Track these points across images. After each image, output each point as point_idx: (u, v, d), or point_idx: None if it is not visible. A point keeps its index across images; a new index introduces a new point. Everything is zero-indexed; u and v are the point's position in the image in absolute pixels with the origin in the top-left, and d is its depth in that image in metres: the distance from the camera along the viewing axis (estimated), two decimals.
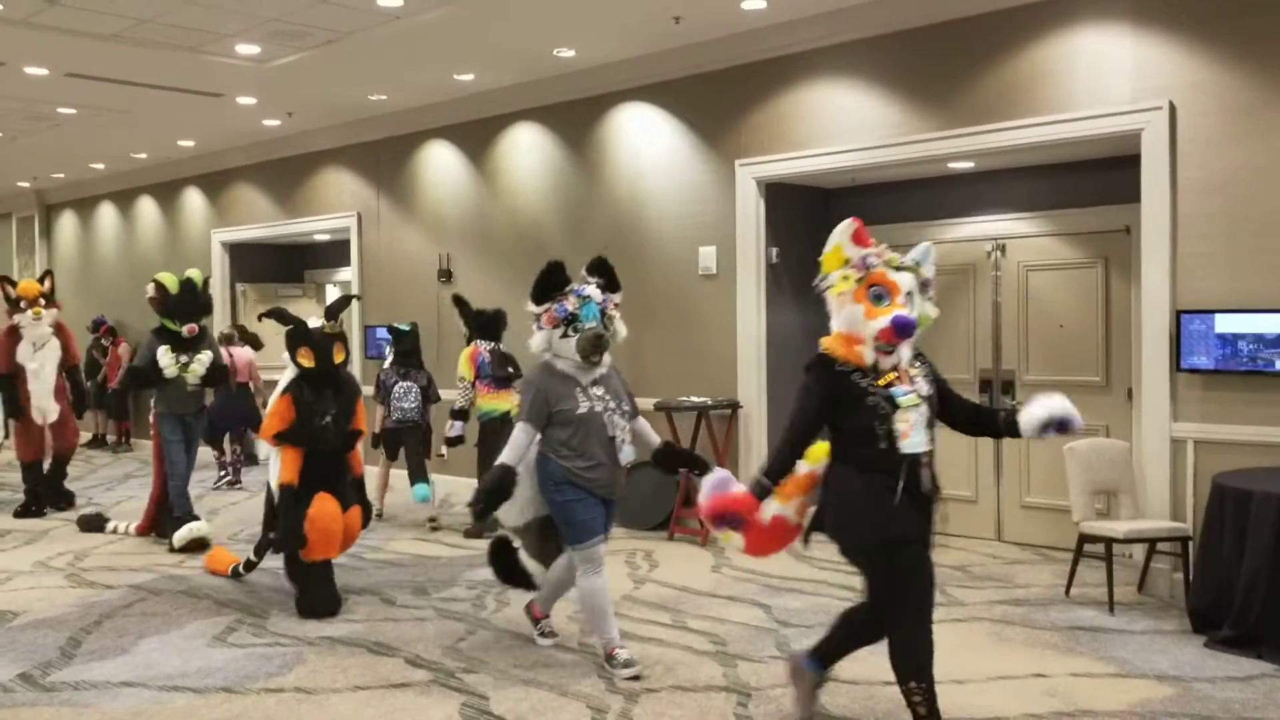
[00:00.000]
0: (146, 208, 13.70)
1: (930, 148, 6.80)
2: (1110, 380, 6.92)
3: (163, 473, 7.72)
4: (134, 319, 13.42)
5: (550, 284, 5.09)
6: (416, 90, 9.32)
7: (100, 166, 13.36)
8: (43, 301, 8.83)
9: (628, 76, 8.33)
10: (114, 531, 7.96)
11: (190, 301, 7.56)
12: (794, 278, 7.92)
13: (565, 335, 4.96)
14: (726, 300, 7.82)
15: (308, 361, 5.82)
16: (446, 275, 9.82)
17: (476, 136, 9.60)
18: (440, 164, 9.96)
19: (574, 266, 8.77)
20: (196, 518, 7.53)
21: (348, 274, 11.35)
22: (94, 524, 8.13)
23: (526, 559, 5.34)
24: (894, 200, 7.84)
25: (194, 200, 12.92)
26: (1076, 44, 6.22)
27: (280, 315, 5.93)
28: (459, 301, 8.32)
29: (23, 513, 8.84)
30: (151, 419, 7.75)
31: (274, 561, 6.20)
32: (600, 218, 8.69)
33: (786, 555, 7.05)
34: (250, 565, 6.46)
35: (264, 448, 8.05)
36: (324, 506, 5.70)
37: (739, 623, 5.52)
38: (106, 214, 14.44)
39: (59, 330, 8.93)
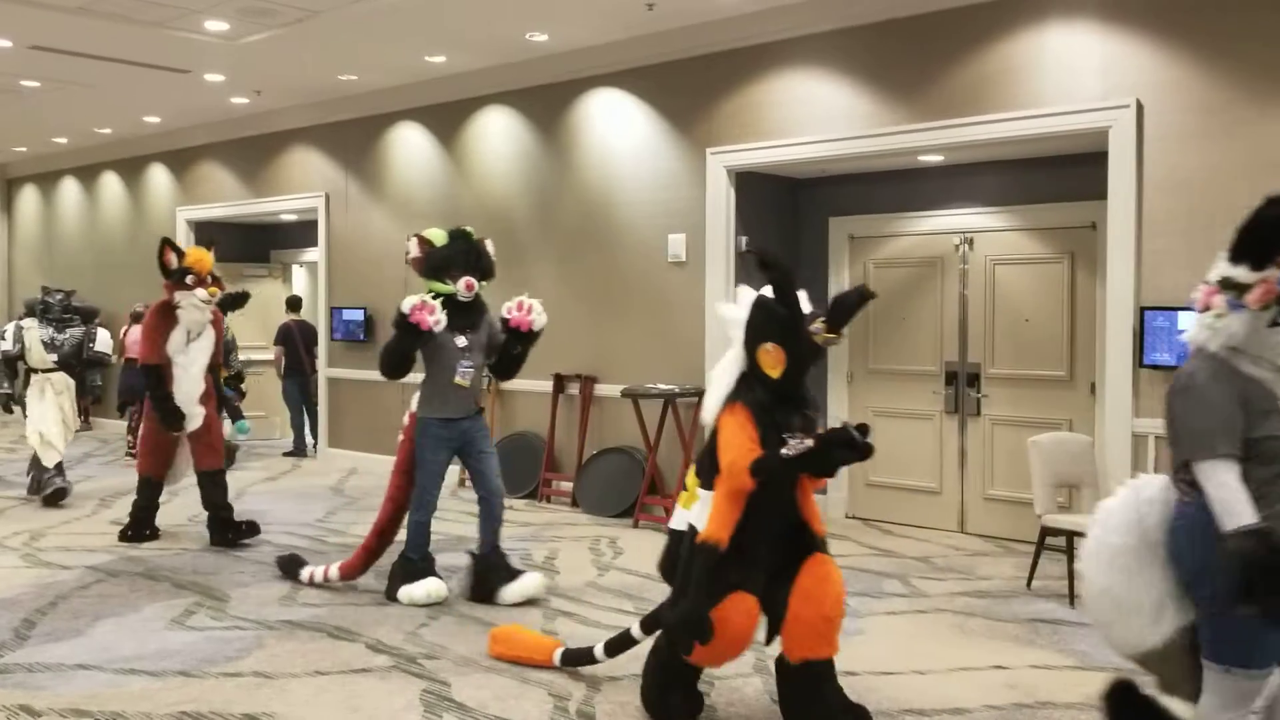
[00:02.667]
0: (110, 183, 13.50)
1: (900, 140, 6.81)
2: (1074, 375, 6.98)
3: (401, 498, 5.79)
4: (96, 296, 13.21)
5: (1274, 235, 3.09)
6: (387, 71, 9.23)
7: (64, 141, 13.14)
8: (213, 279, 6.94)
9: (600, 62, 8.29)
10: (310, 580, 5.94)
11: (463, 252, 5.65)
12: None
13: (1276, 324, 3.04)
14: (695, 288, 7.82)
15: (776, 369, 3.94)
16: None
17: (447, 119, 9.52)
18: (410, 146, 9.87)
19: (544, 252, 8.81)
20: (436, 574, 5.70)
21: (314, 255, 11.25)
22: (291, 567, 6.08)
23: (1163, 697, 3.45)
24: (864, 192, 7.86)
25: (159, 177, 12.74)
26: (1046, 40, 6.25)
27: (780, 275, 3.94)
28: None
29: (131, 536, 7.07)
30: (406, 421, 5.78)
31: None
32: (570, 203, 8.65)
33: None
34: (617, 648, 4.38)
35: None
36: (742, 605, 3.82)
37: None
38: (69, 189, 14.22)
39: (214, 319, 7.05)
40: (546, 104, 8.76)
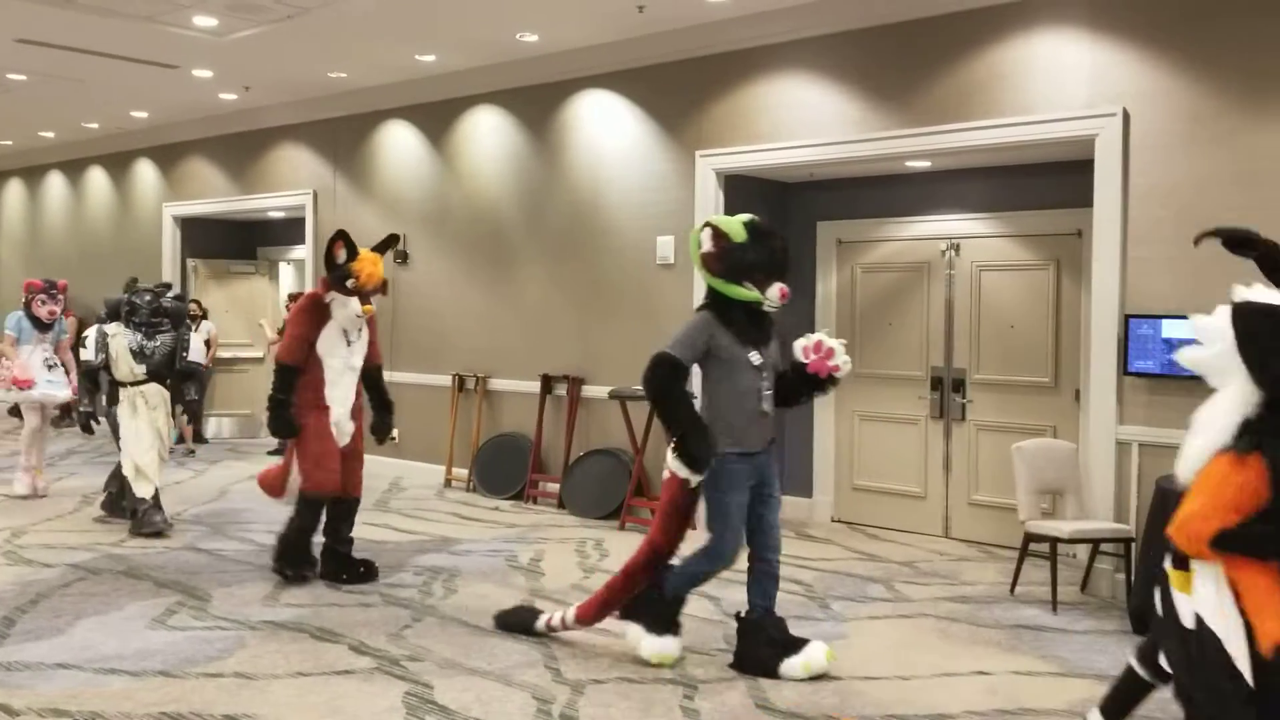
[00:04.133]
0: (96, 178, 13.43)
1: (888, 146, 6.83)
2: (1059, 381, 7.00)
3: (663, 542, 4.72)
4: (82, 291, 13.14)
5: None
6: (377, 69, 9.21)
7: (50, 135, 13.07)
8: (381, 293, 6.18)
9: (590, 63, 8.28)
10: (548, 627, 5.04)
11: (773, 252, 4.72)
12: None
13: None
14: (683, 290, 7.80)
15: None
16: (403, 257, 9.72)
17: (436, 118, 9.50)
18: (399, 144, 9.85)
19: (532, 252, 8.80)
20: (677, 631, 4.82)
21: (302, 252, 11.21)
22: (520, 621, 5.16)
23: None
24: (851, 196, 7.87)
25: (146, 172, 12.68)
26: (1034, 48, 6.27)
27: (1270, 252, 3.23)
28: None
29: (286, 570, 6.06)
30: (670, 465, 4.58)
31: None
32: (559, 204, 8.64)
33: None
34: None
35: None
36: None
37: (687, 614, 5.48)
38: (55, 184, 14.14)
39: (369, 322, 6.16)
40: (536, 104, 8.75)
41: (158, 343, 7.30)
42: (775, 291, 4.66)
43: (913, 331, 7.63)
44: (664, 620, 4.74)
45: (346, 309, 5.87)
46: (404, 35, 8.09)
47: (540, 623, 5.06)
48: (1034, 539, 5.87)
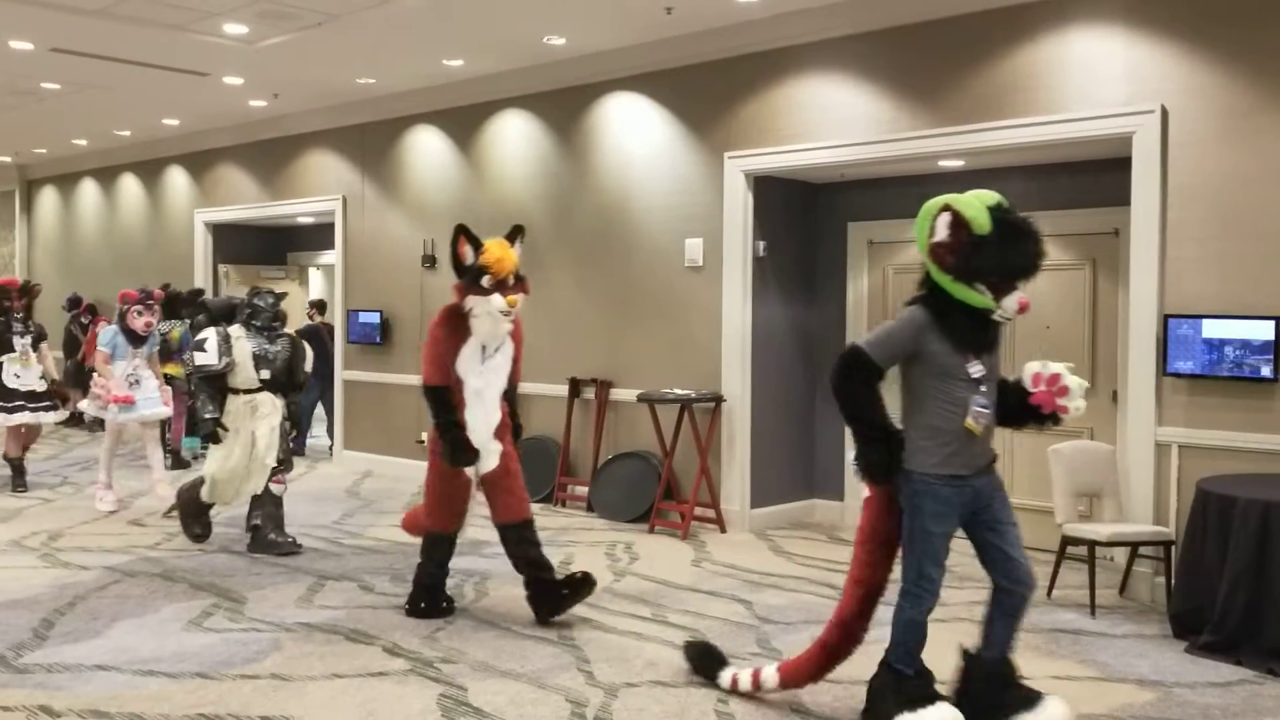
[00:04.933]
0: (129, 185, 13.56)
1: (920, 145, 6.78)
2: (1096, 383, 6.91)
3: (873, 579, 4.17)
4: (115, 298, 13.27)
5: None
6: (405, 75, 9.24)
7: (83, 143, 13.21)
8: (516, 280, 5.34)
9: (618, 66, 8.27)
10: (734, 686, 4.39)
11: (1018, 254, 3.95)
12: (780, 271, 7.90)
13: None
14: (712, 293, 7.79)
15: None
16: (431, 261, 9.75)
17: (464, 122, 9.52)
18: (427, 149, 9.88)
19: (560, 256, 8.80)
20: (941, 694, 4.09)
21: (331, 257, 11.27)
22: (705, 664, 4.56)
23: None
24: (883, 197, 7.82)
25: (177, 179, 12.79)
26: (1069, 45, 6.21)
27: None
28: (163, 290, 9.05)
29: (425, 610, 5.48)
30: (849, 469, 4.13)
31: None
32: (587, 207, 8.64)
33: (767, 551, 7.07)
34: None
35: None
36: None
37: (719, 618, 5.49)
38: (89, 191, 14.29)
39: (514, 330, 5.49)
40: (564, 108, 8.75)
41: (278, 348, 6.94)
42: (1013, 303, 3.93)
43: None
44: (918, 695, 3.99)
45: (489, 310, 5.17)
46: (432, 40, 8.11)
47: (725, 678, 4.41)
48: (1071, 542, 5.80)
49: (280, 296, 7.09)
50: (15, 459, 9.00)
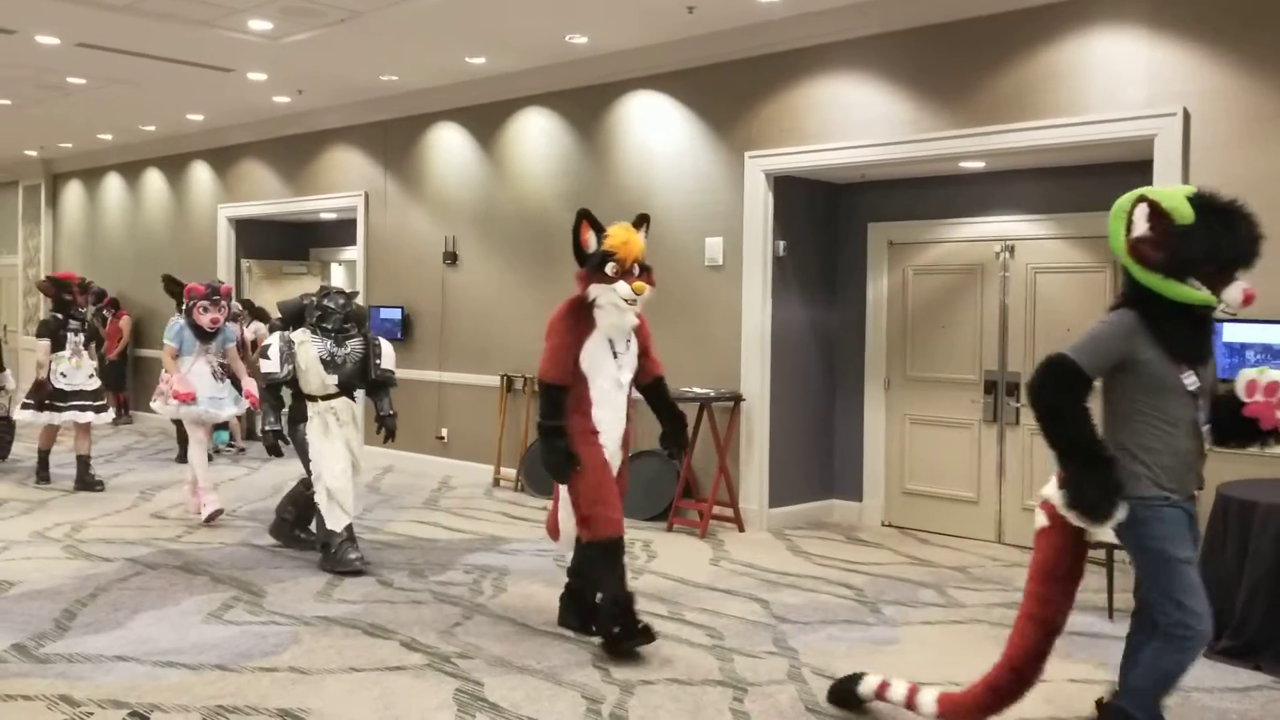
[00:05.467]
0: (153, 180, 13.66)
1: (942, 146, 6.76)
2: None
3: (1050, 616, 3.78)
4: (138, 291, 13.41)
5: None
6: (428, 72, 9.28)
7: (108, 137, 13.32)
8: (641, 269, 5.01)
9: (639, 65, 8.28)
10: (879, 692, 4.07)
11: (1233, 238, 3.58)
12: (800, 271, 7.90)
13: None
14: (732, 292, 7.79)
15: None
16: (452, 258, 9.80)
17: (486, 120, 9.56)
18: (449, 146, 9.92)
19: None
20: None
21: (353, 253, 11.33)
22: (847, 693, 4.21)
23: None
24: (903, 198, 7.80)
25: (201, 174, 12.89)
26: (1092, 47, 6.18)
27: None
28: (169, 280, 8.90)
29: (620, 635, 4.79)
30: (1052, 490, 3.63)
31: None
32: (608, 206, 8.62)
33: (785, 551, 7.08)
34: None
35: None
36: None
37: (736, 616, 5.50)
38: (113, 185, 14.41)
39: (639, 324, 5.09)
40: (585, 106, 8.77)
41: (348, 350, 6.48)
42: (1237, 294, 3.52)
43: (966, 334, 7.54)
44: None
45: (613, 299, 4.85)
46: (455, 38, 8.15)
47: (870, 684, 4.09)
48: (1090, 545, 5.76)
49: (351, 296, 6.66)
50: (45, 450, 8.96)
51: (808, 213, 7.96)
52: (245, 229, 12.60)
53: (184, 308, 7.84)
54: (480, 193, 9.64)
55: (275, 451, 6.52)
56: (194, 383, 7.60)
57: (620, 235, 4.95)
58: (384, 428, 6.55)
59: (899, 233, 7.88)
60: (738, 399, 7.69)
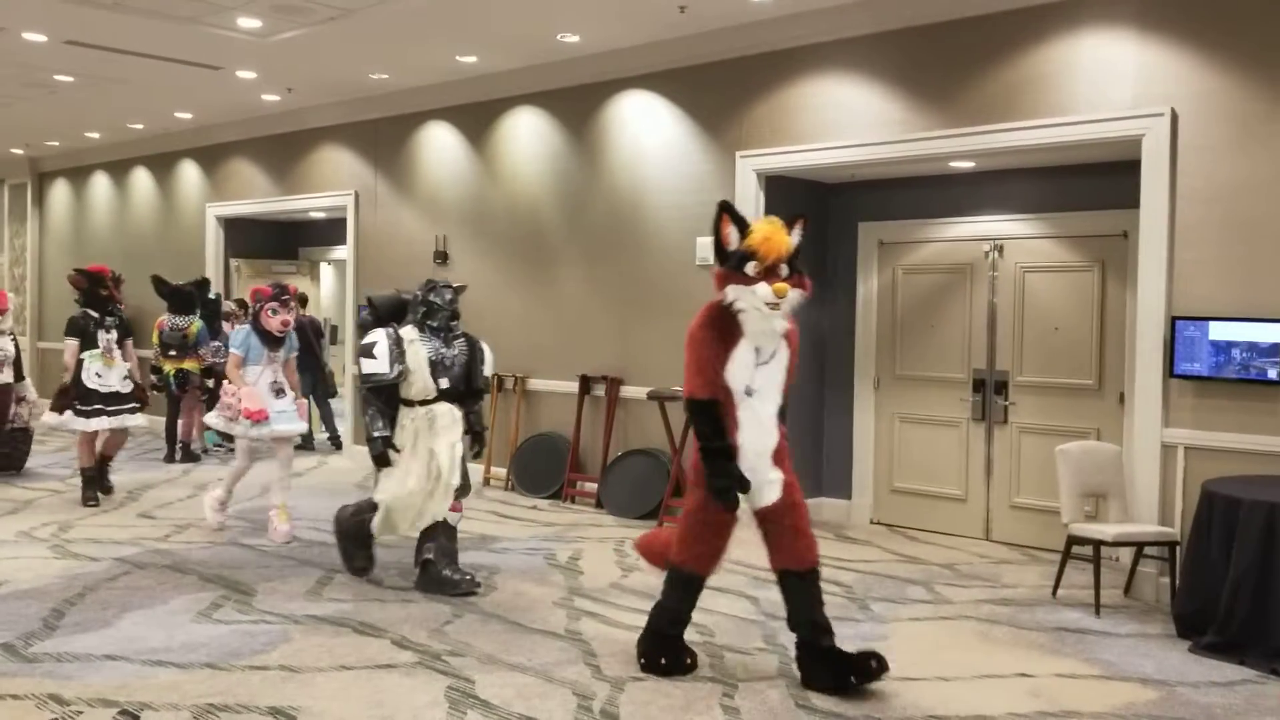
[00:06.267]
0: (141, 179, 13.61)
1: (931, 146, 6.79)
2: (1103, 384, 6.93)
3: None
4: (126, 291, 13.28)
5: None
6: (418, 70, 9.27)
7: (96, 136, 13.27)
8: (791, 270, 4.46)
9: (631, 64, 8.29)
10: None
11: None
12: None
13: None
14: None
15: None
16: (442, 257, 9.79)
17: (477, 119, 9.55)
18: (439, 145, 9.91)
19: (571, 253, 8.82)
20: None
21: (343, 253, 11.31)
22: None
23: None
24: (893, 197, 7.83)
25: (189, 173, 12.84)
26: (1080, 48, 6.21)
27: None
28: (158, 280, 8.87)
29: (666, 666, 4.58)
30: None
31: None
32: (599, 205, 8.66)
33: None
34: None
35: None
36: None
37: (726, 614, 5.52)
38: (100, 184, 14.35)
39: (788, 332, 4.55)
40: (577, 105, 8.78)
41: (455, 351, 5.89)
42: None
43: (955, 333, 7.57)
44: None
45: (754, 302, 4.31)
46: (446, 36, 8.14)
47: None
48: (1077, 542, 5.81)
49: (459, 290, 6.01)
50: (88, 468, 8.14)
51: (799, 212, 7.94)
52: (234, 228, 12.56)
53: (250, 311, 7.26)
54: (471, 192, 9.64)
55: (385, 462, 5.78)
56: (261, 397, 6.95)
57: (763, 231, 4.40)
58: (476, 442, 6.04)
59: (889, 232, 7.90)
60: None
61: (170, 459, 10.25)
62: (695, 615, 5.37)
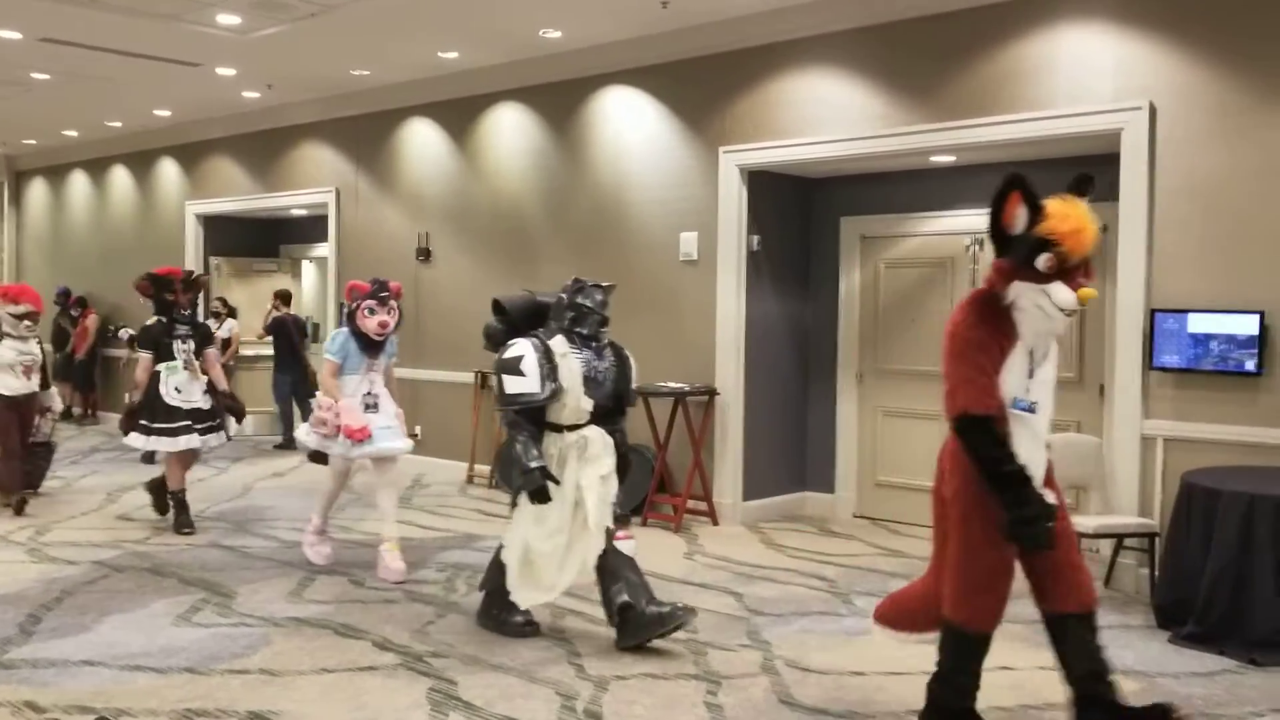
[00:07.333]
0: (120, 177, 13.52)
1: (912, 140, 6.79)
2: (1083, 376, 6.95)
3: None
4: (105, 289, 13.27)
5: None
6: (400, 67, 9.22)
7: (73, 134, 13.17)
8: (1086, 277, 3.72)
9: (614, 59, 8.27)
10: None
11: None
12: (774, 266, 7.91)
13: None
14: (707, 287, 7.80)
15: None
16: (425, 254, 9.75)
17: (459, 115, 9.51)
18: (421, 142, 9.86)
19: (555, 249, 8.80)
20: None
21: (325, 250, 11.26)
22: None
23: None
24: (875, 192, 7.83)
25: (169, 171, 12.76)
26: (1059, 42, 6.22)
27: None
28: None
29: None
30: None
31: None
32: (582, 201, 8.64)
33: (758, 544, 7.10)
34: None
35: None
36: None
37: (710, 610, 5.51)
38: (78, 182, 14.25)
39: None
40: (559, 101, 8.74)
41: (606, 363, 5.01)
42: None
43: (936, 327, 7.50)
44: None
45: (1045, 306, 3.57)
46: (427, 32, 8.10)
47: None
48: None
49: (609, 290, 5.11)
50: (178, 492, 7.30)
51: (781, 207, 7.97)
52: (214, 226, 12.48)
53: (346, 312, 6.24)
54: (454, 188, 9.60)
55: (545, 497, 4.80)
56: (359, 412, 6.07)
57: (1069, 217, 3.57)
58: (621, 466, 5.09)
59: (871, 227, 7.91)
60: (712, 393, 7.70)
61: (149, 460, 10.15)
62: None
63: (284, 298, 11.33)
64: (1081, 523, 5.67)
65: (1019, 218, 3.60)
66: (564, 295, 5.04)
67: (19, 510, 7.63)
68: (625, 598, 4.79)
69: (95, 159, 13.82)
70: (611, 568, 4.85)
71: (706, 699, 4.29)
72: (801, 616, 5.45)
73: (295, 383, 10.99)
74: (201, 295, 7.58)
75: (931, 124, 6.68)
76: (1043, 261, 3.54)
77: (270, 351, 11.33)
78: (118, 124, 12.39)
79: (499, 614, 5.05)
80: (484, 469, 9.14)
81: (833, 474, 8.09)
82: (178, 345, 7.13)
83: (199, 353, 7.25)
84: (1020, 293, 3.59)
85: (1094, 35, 6.09)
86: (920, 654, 4.87)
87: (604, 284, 5.10)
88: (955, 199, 7.49)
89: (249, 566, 6.34)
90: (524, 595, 4.90)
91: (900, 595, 4.24)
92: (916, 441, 7.69)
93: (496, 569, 5.08)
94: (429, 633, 5.10)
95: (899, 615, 4.13)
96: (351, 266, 10.51)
